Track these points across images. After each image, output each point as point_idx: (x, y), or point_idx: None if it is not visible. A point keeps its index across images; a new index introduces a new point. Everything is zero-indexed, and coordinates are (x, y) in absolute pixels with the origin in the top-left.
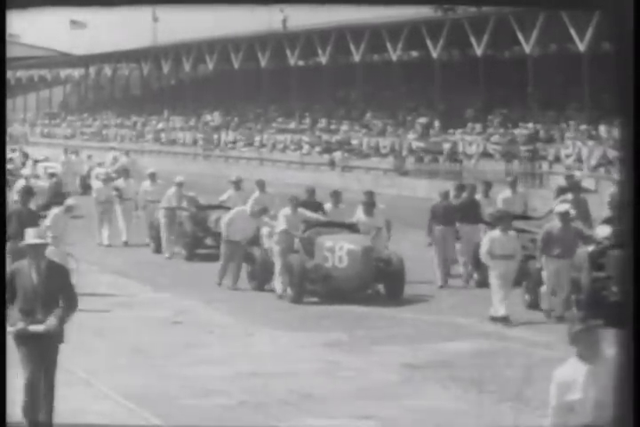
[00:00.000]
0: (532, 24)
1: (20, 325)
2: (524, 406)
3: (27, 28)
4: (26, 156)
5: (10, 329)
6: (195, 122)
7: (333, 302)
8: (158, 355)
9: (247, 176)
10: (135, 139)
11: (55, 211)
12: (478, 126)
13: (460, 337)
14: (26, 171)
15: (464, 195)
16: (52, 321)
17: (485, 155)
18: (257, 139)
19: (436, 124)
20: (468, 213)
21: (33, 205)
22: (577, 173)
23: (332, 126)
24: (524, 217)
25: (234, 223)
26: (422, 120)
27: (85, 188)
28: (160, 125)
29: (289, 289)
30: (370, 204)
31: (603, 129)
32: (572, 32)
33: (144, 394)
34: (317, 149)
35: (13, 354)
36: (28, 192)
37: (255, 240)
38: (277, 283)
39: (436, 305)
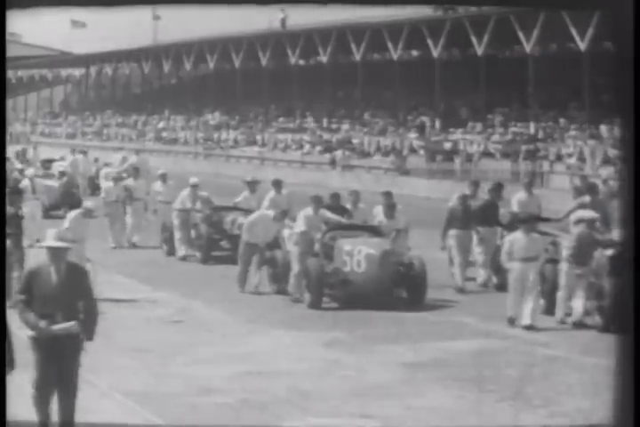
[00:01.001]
0: (533, 23)
1: (43, 324)
2: (525, 405)
3: (27, 27)
4: (21, 154)
5: (29, 333)
6: (195, 121)
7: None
8: (159, 354)
9: (248, 175)
10: (136, 138)
11: (73, 214)
12: (479, 126)
13: (460, 336)
14: (30, 171)
15: (479, 195)
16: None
17: (486, 154)
18: (258, 138)
19: (437, 123)
20: (488, 215)
21: (22, 206)
22: (603, 173)
23: (333, 125)
24: (543, 219)
25: (255, 227)
26: (423, 119)
27: (94, 188)
28: (161, 124)
29: (306, 294)
30: (390, 206)
31: (603, 128)
32: (573, 31)
33: (144, 393)
34: (318, 148)
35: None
36: (16, 193)
37: (276, 243)
38: (292, 286)
39: (458, 310)
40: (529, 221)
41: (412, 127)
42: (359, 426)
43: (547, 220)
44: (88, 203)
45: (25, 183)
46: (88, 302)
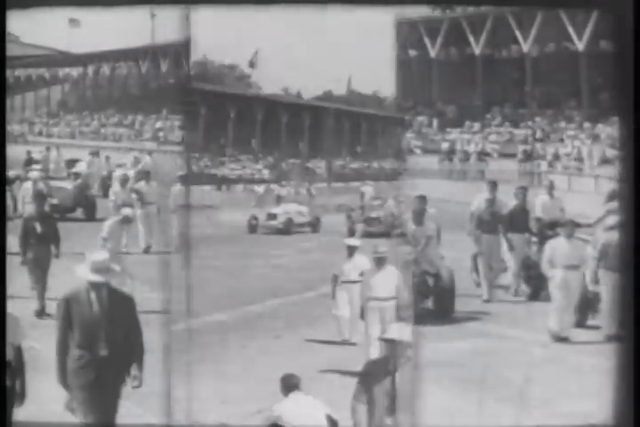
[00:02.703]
0: (531, 23)
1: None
2: (525, 406)
3: (24, 27)
4: (45, 155)
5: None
6: None
7: None
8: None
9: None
10: (134, 138)
11: (110, 221)
12: (477, 125)
13: (460, 337)
14: (33, 173)
15: (497, 196)
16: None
17: (484, 154)
18: None
19: (434, 122)
20: (518, 220)
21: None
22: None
23: None
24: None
25: None
26: (420, 119)
27: (106, 189)
28: (158, 124)
29: None
30: (420, 212)
31: (601, 127)
32: (571, 31)
33: (145, 393)
34: None
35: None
36: (40, 196)
37: None
38: None
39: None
40: (568, 225)
41: (409, 127)
42: None
43: (579, 225)
44: (127, 210)
45: (27, 186)
46: (134, 337)
